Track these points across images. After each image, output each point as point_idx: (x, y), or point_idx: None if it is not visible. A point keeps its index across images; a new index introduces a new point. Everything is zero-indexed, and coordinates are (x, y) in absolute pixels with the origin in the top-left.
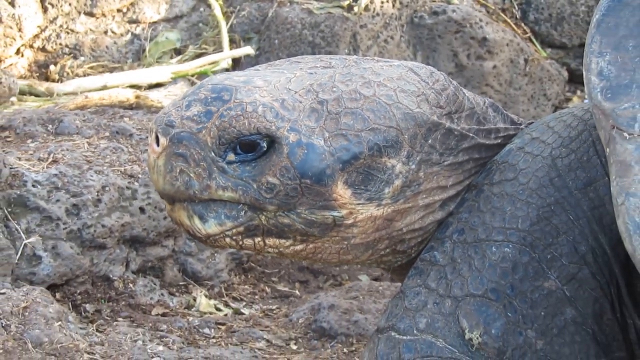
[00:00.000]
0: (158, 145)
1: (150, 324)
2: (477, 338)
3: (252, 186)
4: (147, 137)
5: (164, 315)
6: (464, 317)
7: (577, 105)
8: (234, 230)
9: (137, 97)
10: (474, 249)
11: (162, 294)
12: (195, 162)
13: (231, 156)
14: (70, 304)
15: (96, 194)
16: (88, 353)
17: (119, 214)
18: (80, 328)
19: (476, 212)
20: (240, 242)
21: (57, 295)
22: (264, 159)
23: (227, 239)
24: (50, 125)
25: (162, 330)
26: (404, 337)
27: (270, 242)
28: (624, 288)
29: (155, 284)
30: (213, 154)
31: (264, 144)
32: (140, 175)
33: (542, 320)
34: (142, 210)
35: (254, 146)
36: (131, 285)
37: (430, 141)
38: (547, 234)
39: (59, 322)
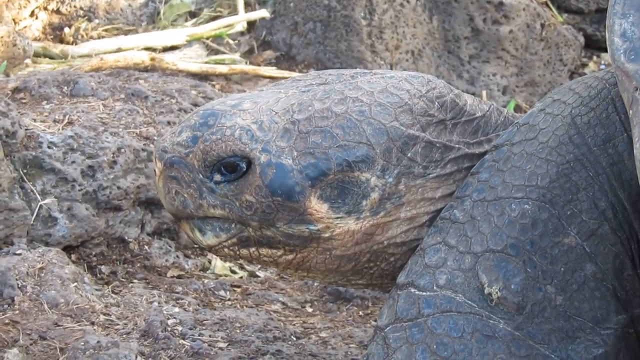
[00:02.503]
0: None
1: (165, 286)
2: (497, 293)
3: (235, 204)
4: (162, 100)
5: (179, 277)
6: (483, 272)
7: (602, 70)
8: (229, 242)
9: (152, 59)
10: (494, 206)
11: (177, 256)
12: (187, 184)
13: (217, 177)
14: (85, 265)
15: (112, 155)
16: (104, 314)
17: (135, 176)
18: (96, 289)
19: (496, 171)
20: (237, 252)
21: (73, 256)
22: (243, 179)
23: (226, 249)
24: (66, 87)
25: (177, 292)
26: (424, 293)
27: (264, 252)
28: None
29: (170, 246)
30: (201, 175)
31: (244, 165)
32: (155, 138)
33: (561, 276)
34: None
35: (235, 167)
36: (146, 247)
37: (409, 155)
38: (566, 190)
39: (75, 283)
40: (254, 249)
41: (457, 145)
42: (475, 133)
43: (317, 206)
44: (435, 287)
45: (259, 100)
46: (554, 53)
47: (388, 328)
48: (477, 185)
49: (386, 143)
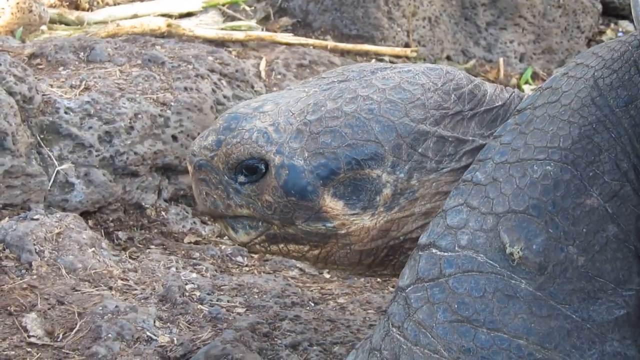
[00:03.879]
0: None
1: (182, 252)
2: (518, 252)
3: (257, 204)
4: (179, 66)
5: (196, 243)
6: (505, 232)
7: (626, 34)
8: (259, 239)
9: (169, 25)
10: (516, 168)
11: (194, 222)
12: (214, 185)
13: (241, 178)
14: (102, 231)
15: (129, 121)
16: (122, 279)
17: (152, 142)
18: (113, 255)
19: (518, 134)
20: (268, 248)
21: (90, 222)
22: (263, 180)
23: (257, 246)
24: (82, 53)
25: (194, 258)
26: (446, 254)
27: (292, 247)
28: None
29: (187, 213)
30: (226, 177)
31: (262, 167)
32: (172, 103)
33: (583, 237)
34: (174, 138)
35: (255, 169)
36: (163, 213)
37: (420, 150)
38: (589, 151)
39: (93, 249)
40: (282, 245)
41: (471, 138)
42: (494, 122)
43: (332, 204)
44: (457, 248)
45: (280, 101)
46: (572, 20)
47: (409, 288)
48: (499, 148)
49: (395, 140)
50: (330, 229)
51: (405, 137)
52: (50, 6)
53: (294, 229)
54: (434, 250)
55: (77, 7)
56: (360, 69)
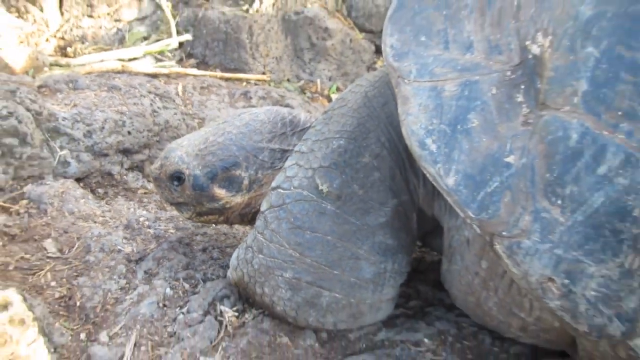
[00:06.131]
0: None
1: (137, 199)
2: (326, 189)
3: (184, 195)
4: (129, 90)
5: (145, 193)
6: (318, 178)
7: (384, 66)
8: (193, 214)
9: (123, 66)
10: (324, 142)
11: (144, 182)
12: (164, 188)
13: (175, 183)
14: (89, 189)
15: (101, 124)
16: (102, 217)
17: (116, 136)
18: (96, 203)
19: (325, 124)
20: (199, 219)
21: (81, 184)
22: (184, 183)
23: (194, 218)
24: (71, 84)
25: (144, 202)
26: (286, 191)
27: (211, 217)
28: (407, 161)
29: (139, 176)
30: (168, 183)
31: (183, 176)
32: (127, 112)
33: (361, 180)
34: (129, 132)
35: (180, 177)
36: (125, 177)
37: (260, 157)
38: (363, 132)
39: (83, 199)
40: (206, 216)
41: (290, 147)
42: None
43: (219, 192)
44: (292, 188)
45: (192, 138)
46: (358, 56)
47: (266, 211)
48: (314, 132)
49: (245, 154)
50: (221, 205)
51: (250, 152)
52: (49, 55)
53: (205, 208)
54: (279, 190)
55: (66, 55)
56: (234, 114)
